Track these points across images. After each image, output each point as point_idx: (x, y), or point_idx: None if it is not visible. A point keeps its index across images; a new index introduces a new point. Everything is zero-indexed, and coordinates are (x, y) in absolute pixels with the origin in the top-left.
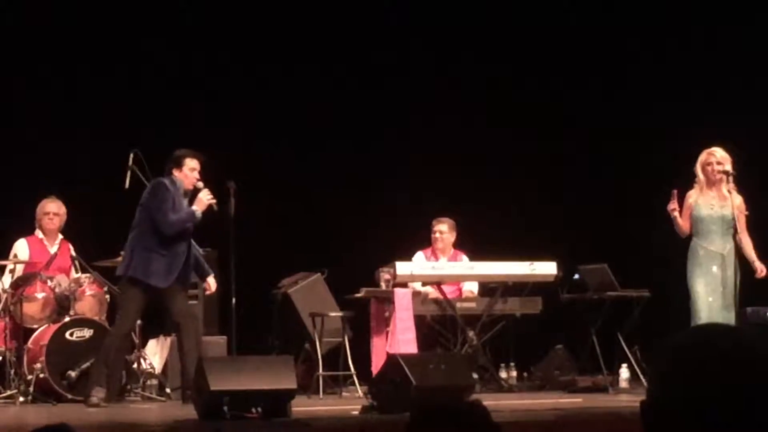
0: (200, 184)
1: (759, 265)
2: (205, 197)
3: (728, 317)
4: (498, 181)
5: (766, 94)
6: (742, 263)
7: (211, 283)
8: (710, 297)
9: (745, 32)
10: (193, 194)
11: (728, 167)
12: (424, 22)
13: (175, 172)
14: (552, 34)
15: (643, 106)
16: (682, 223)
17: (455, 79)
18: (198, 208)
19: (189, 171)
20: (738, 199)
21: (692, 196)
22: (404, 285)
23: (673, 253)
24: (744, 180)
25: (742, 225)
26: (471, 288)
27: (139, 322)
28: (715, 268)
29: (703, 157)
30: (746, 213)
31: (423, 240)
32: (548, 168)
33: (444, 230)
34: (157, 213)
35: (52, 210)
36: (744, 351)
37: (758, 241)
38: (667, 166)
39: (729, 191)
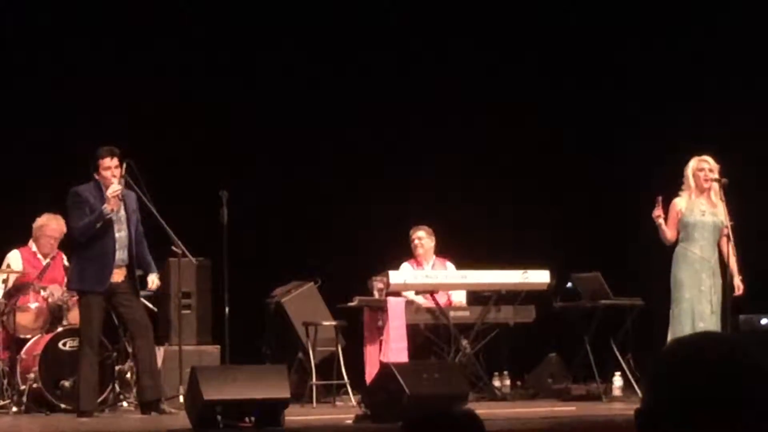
0: (113, 180)
1: (738, 283)
2: (110, 192)
3: (714, 324)
4: (489, 189)
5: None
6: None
7: (153, 279)
8: (697, 302)
9: (744, 37)
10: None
11: (716, 176)
12: (420, 25)
13: (96, 176)
14: (551, 35)
15: (638, 110)
16: (669, 231)
17: (447, 87)
18: (106, 205)
19: (104, 171)
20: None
21: (680, 203)
22: (397, 294)
23: (666, 261)
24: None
25: (730, 228)
26: (459, 299)
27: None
28: (704, 275)
29: (694, 163)
30: (732, 223)
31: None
32: (540, 176)
33: (422, 236)
34: (68, 222)
35: (53, 234)
36: (737, 359)
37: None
38: (661, 173)
39: (721, 199)
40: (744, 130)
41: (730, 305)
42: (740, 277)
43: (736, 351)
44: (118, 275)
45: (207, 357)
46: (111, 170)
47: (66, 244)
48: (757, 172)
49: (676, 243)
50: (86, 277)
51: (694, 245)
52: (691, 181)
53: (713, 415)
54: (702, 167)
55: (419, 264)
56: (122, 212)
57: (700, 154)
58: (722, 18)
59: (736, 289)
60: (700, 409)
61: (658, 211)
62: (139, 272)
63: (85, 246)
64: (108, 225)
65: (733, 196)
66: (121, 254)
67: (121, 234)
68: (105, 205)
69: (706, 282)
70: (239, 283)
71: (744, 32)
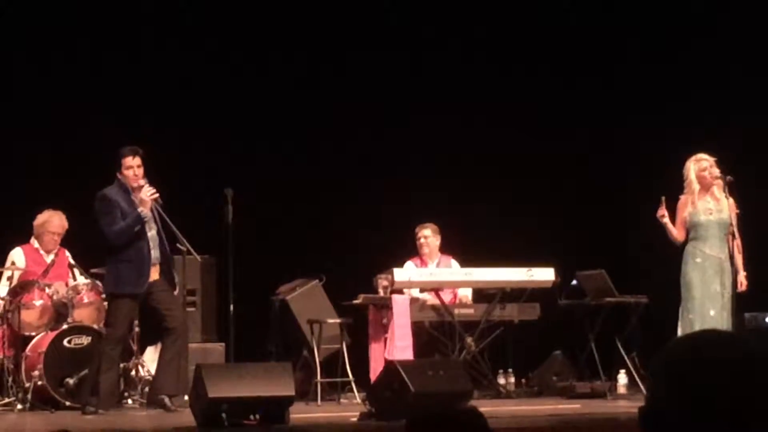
0: (142, 182)
1: (741, 279)
2: (146, 195)
3: (726, 322)
4: (494, 187)
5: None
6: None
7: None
8: (708, 301)
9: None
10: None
11: (717, 170)
12: (421, 25)
13: (119, 174)
14: (550, 33)
15: (640, 109)
16: (676, 231)
17: (449, 82)
18: (143, 208)
19: (126, 170)
20: (730, 199)
21: (685, 204)
22: (402, 291)
23: (670, 258)
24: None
25: (735, 225)
26: (465, 293)
27: (136, 329)
28: (713, 273)
29: (695, 165)
30: (738, 212)
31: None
32: (545, 173)
33: (428, 235)
34: (102, 227)
35: (57, 231)
36: (742, 357)
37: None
38: (664, 171)
39: (727, 197)
40: (745, 129)
41: (735, 303)
42: (744, 274)
43: (741, 348)
44: (154, 273)
45: (212, 355)
46: (133, 169)
47: (67, 240)
48: (759, 170)
49: (685, 242)
50: (123, 281)
51: (704, 244)
52: (695, 186)
53: (717, 412)
54: (704, 167)
55: (424, 263)
56: (151, 212)
57: (698, 153)
58: (723, 18)
59: (739, 286)
60: (704, 406)
61: (662, 211)
62: None
63: (120, 249)
64: (142, 226)
65: (735, 194)
66: (155, 253)
67: (152, 233)
68: (141, 208)
69: (715, 280)
70: (244, 281)
71: (744, 32)
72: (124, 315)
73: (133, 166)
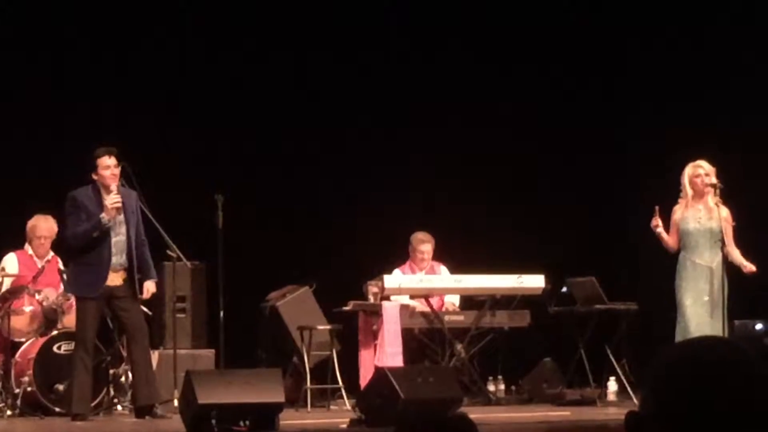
0: (113, 187)
1: (748, 264)
2: (110, 202)
3: (716, 329)
4: (485, 193)
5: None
6: (730, 276)
7: (148, 287)
8: (699, 310)
9: (734, 35)
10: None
11: (714, 179)
12: (420, 25)
13: (94, 175)
14: (550, 33)
15: (634, 115)
16: (669, 240)
17: (438, 86)
18: (104, 215)
19: (102, 170)
20: (725, 211)
21: (678, 211)
22: (390, 298)
23: (660, 266)
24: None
25: (729, 237)
26: (453, 300)
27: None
28: (703, 282)
29: (690, 170)
30: (733, 224)
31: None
32: (535, 179)
33: (428, 249)
34: (65, 228)
35: (43, 234)
36: (735, 362)
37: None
38: (656, 178)
39: (717, 204)
40: (743, 133)
41: (728, 310)
42: (747, 262)
43: (734, 354)
44: (116, 278)
45: (202, 361)
46: (111, 169)
47: (61, 247)
48: (755, 176)
49: (679, 250)
50: (80, 283)
51: (693, 253)
52: (688, 189)
53: (710, 418)
54: (698, 173)
55: (412, 270)
56: (120, 216)
57: (695, 159)
58: (722, 18)
59: (748, 269)
60: (697, 412)
61: (655, 221)
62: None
63: (81, 252)
64: (105, 232)
65: (731, 200)
66: (119, 258)
67: (119, 238)
68: (103, 215)
69: (705, 288)
70: (234, 287)
71: (744, 31)
72: (90, 317)
73: (110, 166)
